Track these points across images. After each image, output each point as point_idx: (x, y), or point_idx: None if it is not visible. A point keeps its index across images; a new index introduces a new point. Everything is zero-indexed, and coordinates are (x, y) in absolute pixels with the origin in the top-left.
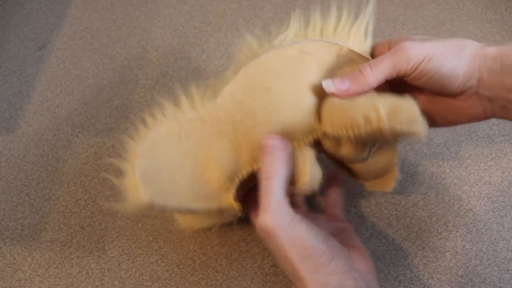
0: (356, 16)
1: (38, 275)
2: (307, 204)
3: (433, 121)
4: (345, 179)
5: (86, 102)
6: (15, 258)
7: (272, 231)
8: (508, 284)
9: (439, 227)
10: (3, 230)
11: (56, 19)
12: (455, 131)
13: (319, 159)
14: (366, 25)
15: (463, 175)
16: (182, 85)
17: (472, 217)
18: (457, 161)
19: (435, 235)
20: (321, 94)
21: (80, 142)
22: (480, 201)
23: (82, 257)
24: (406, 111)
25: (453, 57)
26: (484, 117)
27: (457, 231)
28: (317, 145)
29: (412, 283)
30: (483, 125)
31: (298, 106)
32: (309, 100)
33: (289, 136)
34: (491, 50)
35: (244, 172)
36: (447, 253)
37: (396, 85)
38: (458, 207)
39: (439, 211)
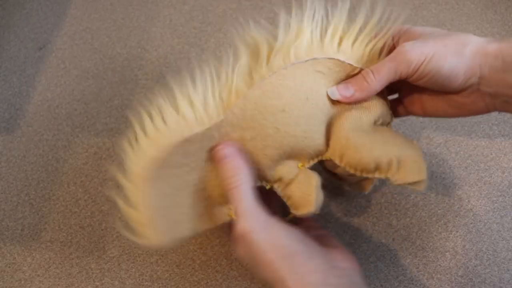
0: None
1: (38, 275)
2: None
3: (435, 114)
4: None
5: (86, 102)
6: (15, 258)
7: (248, 234)
8: (508, 284)
9: (439, 227)
10: (3, 230)
11: (56, 19)
12: (455, 131)
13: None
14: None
15: (463, 175)
16: (183, 88)
17: (472, 217)
18: (457, 161)
19: (435, 235)
20: (330, 116)
21: (80, 142)
22: (480, 201)
23: (82, 257)
24: (414, 169)
25: (453, 56)
26: (486, 111)
27: (457, 231)
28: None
29: (412, 283)
30: (483, 125)
31: (310, 131)
32: (320, 125)
33: (295, 158)
34: (492, 48)
35: None
36: (447, 253)
37: (398, 83)
38: (458, 207)
39: (439, 211)
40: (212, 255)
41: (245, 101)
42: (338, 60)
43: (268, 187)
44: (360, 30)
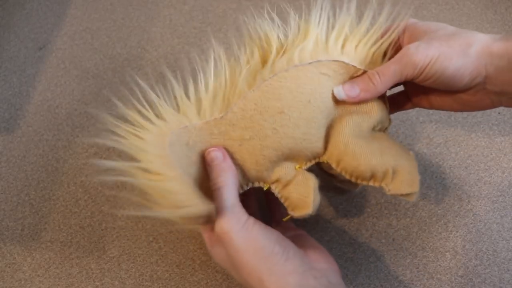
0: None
1: (38, 275)
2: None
3: (441, 108)
4: None
5: (86, 102)
6: (15, 258)
7: (226, 233)
8: (508, 284)
9: (439, 227)
10: (3, 230)
11: (56, 19)
12: (455, 131)
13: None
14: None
15: (463, 175)
16: (184, 87)
17: (472, 217)
18: (457, 161)
19: (435, 235)
20: (330, 119)
21: (80, 142)
22: (480, 201)
23: (82, 257)
24: (408, 181)
25: (458, 57)
26: (492, 107)
27: (457, 231)
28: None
29: (412, 283)
30: (483, 125)
31: (309, 134)
32: (319, 128)
33: (293, 159)
34: (498, 47)
35: (245, 187)
36: (447, 253)
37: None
38: (458, 207)
39: (439, 211)
40: None
41: (245, 101)
42: (343, 62)
43: (265, 188)
44: (364, 32)
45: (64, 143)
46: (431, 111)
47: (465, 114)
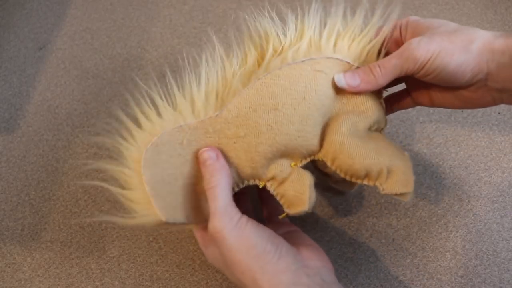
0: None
1: (38, 275)
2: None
3: (442, 106)
4: None
5: (86, 102)
6: (15, 258)
7: (219, 233)
8: (508, 284)
9: (439, 227)
10: (3, 230)
11: (56, 19)
12: (455, 131)
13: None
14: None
15: (463, 175)
16: (180, 86)
17: (472, 217)
18: (457, 161)
19: (435, 235)
20: (327, 117)
21: (80, 142)
22: (480, 201)
23: (82, 257)
24: (402, 181)
25: (460, 53)
26: (494, 104)
27: (457, 231)
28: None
29: (412, 283)
30: (483, 125)
31: (304, 131)
32: (315, 125)
33: (288, 156)
34: (499, 43)
35: (241, 185)
36: (447, 253)
37: (404, 75)
38: (458, 207)
39: (439, 211)
40: None
41: (239, 99)
42: (337, 59)
43: (261, 185)
44: (356, 31)
45: (64, 143)
46: (431, 111)
47: (465, 114)
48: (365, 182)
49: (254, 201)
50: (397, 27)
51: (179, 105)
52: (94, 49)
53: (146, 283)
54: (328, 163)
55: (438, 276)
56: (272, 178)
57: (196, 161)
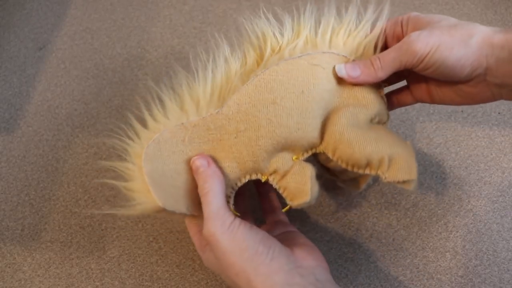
0: (359, 20)
1: (38, 275)
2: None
3: (442, 102)
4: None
5: (86, 102)
6: (15, 258)
7: (213, 236)
8: (508, 284)
9: (439, 227)
10: (3, 230)
11: (56, 19)
12: (455, 131)
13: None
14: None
15: (463, 175)
16: (185, 86)
17: (472, 217)
18: (457, 161)
19: (435, 235)
20: (327, 111)
21: (80, 142)
22: (480, 201)
23: (82, 257)
24: (405, 168)
25: (459, 47)
26: (493, 99)
27: (457, 231)
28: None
29: (412, 283)
30: (483, 125)
31: (303, 123)
32: (314, 118)
33: (289, 150)
34: (499, 38)
35: (243, 180)
36: (447, 253)
37: (405, 70)
38: (458, 207)
39: (439, 211)
40: None
41: (239, 95)
42: (333, 53)
43: (263, 179)
44: (351, 26)
45: (64, 143)
46: (431, 111)
47: (465, 114)
48: (367, 171)
49: (254, 201)
50: (398, 23)
51: (185, 104)
52: (94, 49)
53: (146, 283)
54: (329, 155)
55: (438, 276)
56: (274, 172)
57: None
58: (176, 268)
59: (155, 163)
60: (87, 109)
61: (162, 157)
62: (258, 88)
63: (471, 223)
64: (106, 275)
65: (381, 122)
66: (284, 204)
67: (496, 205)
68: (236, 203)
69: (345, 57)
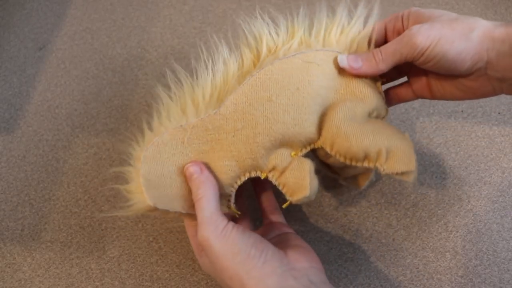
0: (356, 20)
1: (38, 275)
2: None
3: (443, 97)
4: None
5: (86, 102)
6: (15, 258)
7: (206, 241)
8: (508, 284)
9: (439, 227)
10: (3, 230)
11: (56, 19)
12: (455, 131)
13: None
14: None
15: (463, 175)
16: (186, 89)
17: (472, 217)
18: (457, 161)
19: (435, 235)
20: (324, 107)
21: (80, 142)
22: (480, 201)
23: (82, 257)
24: (403, 159)
25: (460, 40)
26: (494, 94)
27: (457, 231)
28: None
29: (412, 283)
30: (483, 125)
31: (299, 119)
32: (311, 113)
33: (287, 146)
34: (500, 32)
35: (243, 178)
36: (447, 254)
37: (406, 66)
38: (458, 207)
39: (439, 211)
40: None
41: (236, 95)
42: (326, 50)
43: (263, 176)
44: (343, 23)
45: (64, 143)
46: (431, 111)
47: (465, 114)
48: (365, 164)
49: (253, 201)
50: (399, 18)
51: (186, 107)
52: (94, 49)
53: (146, 283)
54: (328, 149)
55: (438, 276)
56: (273, 169)
57: (196, 158)
58: (176, 268)
59: (153, 165)
60: (87, 109)
61: (162, 159)
62: (254, 87)
63: (471, 223)
64: (106, 275)
65: (379, 117)
66: (283, 201)
67: (496, 205)
68: (236, 203)
69: (339, 53)
